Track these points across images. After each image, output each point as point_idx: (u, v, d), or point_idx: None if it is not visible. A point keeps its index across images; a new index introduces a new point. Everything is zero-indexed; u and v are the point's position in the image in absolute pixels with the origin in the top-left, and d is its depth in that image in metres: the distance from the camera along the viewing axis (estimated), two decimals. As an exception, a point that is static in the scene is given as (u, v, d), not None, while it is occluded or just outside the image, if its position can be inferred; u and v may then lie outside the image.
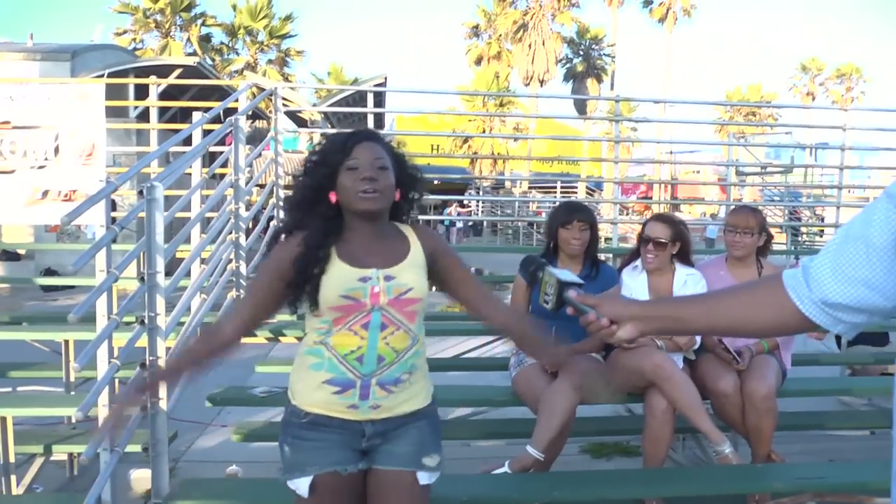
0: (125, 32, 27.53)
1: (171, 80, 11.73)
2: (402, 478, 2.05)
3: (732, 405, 3.48)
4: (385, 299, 1.98)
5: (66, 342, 4.27)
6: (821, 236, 14.94)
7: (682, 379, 3.41)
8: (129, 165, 7.51)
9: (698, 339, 3.66)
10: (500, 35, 36.43)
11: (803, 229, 14.55)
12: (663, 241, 3.67)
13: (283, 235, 2.10)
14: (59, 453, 3.80)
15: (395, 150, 2.10)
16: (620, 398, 3.90)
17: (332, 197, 2.01)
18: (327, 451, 2.01)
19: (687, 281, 3.71)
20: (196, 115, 4.36)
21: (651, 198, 21.95)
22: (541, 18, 34.66)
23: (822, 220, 14.40)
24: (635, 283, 3.71)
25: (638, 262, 3.78)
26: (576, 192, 21.26)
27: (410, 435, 2.07)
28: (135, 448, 3.04)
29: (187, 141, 4.39)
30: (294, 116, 14.93)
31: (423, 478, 2.08)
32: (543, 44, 34.66)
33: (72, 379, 4.32)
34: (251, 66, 28.97)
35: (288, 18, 30.07)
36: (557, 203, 17.64)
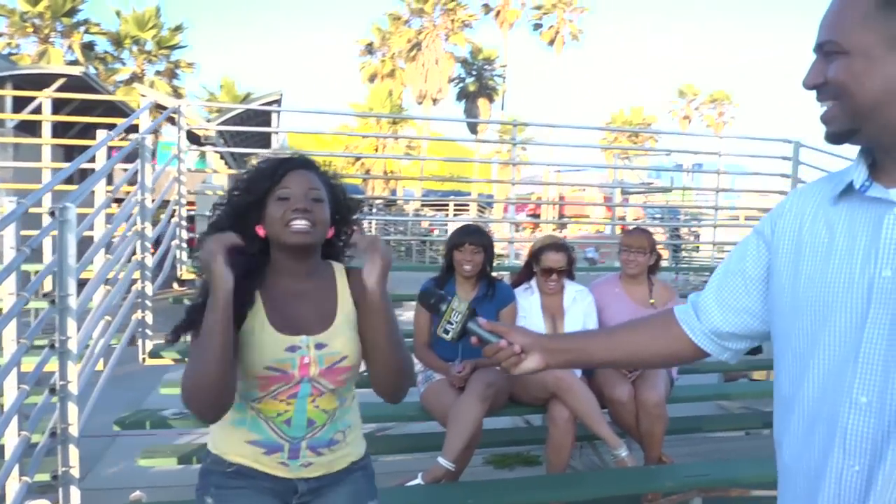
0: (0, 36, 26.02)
1: (58, 93, 11.20)
2: None
3: (627, 412, 3.76)
4: (316, 370, 1.75)
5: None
6: (697, 251, 15.85)
7: (582, 389, 3.65)
8: (6, 181, 7.22)
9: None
10: (394, 53, 36.78)
11: (683, 246, 15.45)
12: (563, 268, 3.93)
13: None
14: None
15: (332, 181, 1.88)
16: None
17: (260, 231, 1.78)
18: (257, 498, 1.78)
19: (576, 297, 3.98)
20: (101, 133, 4.28)
21: (539, 216, 22.66)
22: (434, 38, 35.26)
23: (698, 237, 15.34)
24: (528, 303, 3.95)
25: (530, 284, 4.02)
26: (467, 210, 21.72)
27: (346, 489, 1.88)
28: (43, 477, 2.97)
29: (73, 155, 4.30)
30: (188, 133, 14.51)
31: None
32: (437, 63, 35.27)
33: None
34: (138, 77, 27.95)
35: (178, 29, 29.25)
36: (449, 220, 17.85)
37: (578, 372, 3.84)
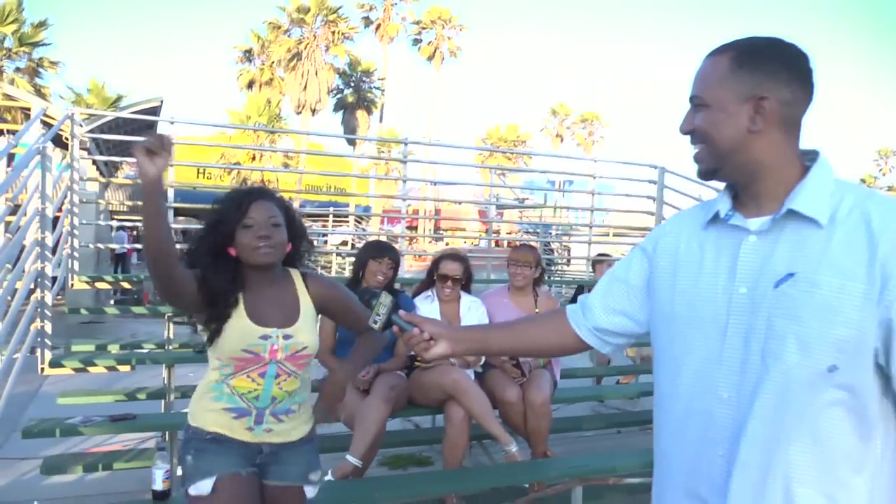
0: None
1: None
2: (292, 492, 2.38)
3: (516, 412, 4.15)
4: (282, 355, 2.26)
5: None
6: (568, 264, 16.69)
7: (477, 391, 4.01)
8: None
9: (483, 358, 4.31)
10: (273, 62, 36.28)
11: (556, 260, 16.27)
12: (458, 277, 4.29)
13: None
14: None
15: (286, 206, 2.35)
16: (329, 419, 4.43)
17: (232, 251, 2.23)
18: (228, 457, 2.25)
19: (471, 307, 4.36)
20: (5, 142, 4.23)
21: (416, 228, 23.11)
22: (314, 49, 35.07)
23: (569, 251, 16.20)
24: (428, 311, 4.28)
25: (430, 292, 4.36)
26: (347, 221, 21.82)
27: (298, 457, 2.38)
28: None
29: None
30: (55, 139, 13.87)
31: (310, 491, 2.43)
32: (316, 74, 35.09)
33: None
34: (-5, 74, 26.19)
35: (41, 25, 27.54)
36: (328, 232, 17.83)
37: (472, 374, 4.20)
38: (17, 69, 27.29)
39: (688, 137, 1.43)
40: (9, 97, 16.38)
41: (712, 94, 1.36)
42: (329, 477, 3.55)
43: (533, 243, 15.42)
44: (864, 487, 1.27)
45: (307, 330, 2.32)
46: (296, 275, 2.40)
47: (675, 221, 1.57)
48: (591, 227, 8.50)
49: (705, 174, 1.42)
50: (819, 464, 1.26)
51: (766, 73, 1.32)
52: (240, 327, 2.21)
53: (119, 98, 27.63)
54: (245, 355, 2.22)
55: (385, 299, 1.69)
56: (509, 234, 15.17)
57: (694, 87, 1.40)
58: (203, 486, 2.21)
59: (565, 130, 49.88)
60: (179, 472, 2.41)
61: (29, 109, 14.32)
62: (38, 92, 25.50)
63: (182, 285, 2.12)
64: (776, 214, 1.33)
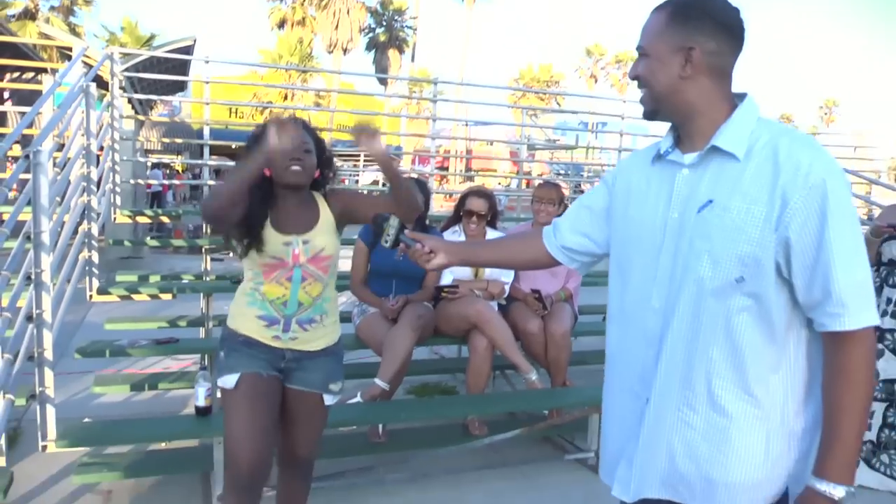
0: None
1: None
2: (312, 398, 2.59)
3: (538, 342, 4.34)
4: (304, 259, 2.47)
5: None
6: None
7: (500, 322, 4.20)
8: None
9: (507, 289, 4.49)
10: (305, 1, 36.02)
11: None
12: (483, 213, 4.43)
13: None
14: None
15: (317, 137, 2.57)
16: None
17: (267, 172, 2.44)
18: (253, 359, 2.48)
19: None
20: (47, 80, 4.42)
21: (447, 168, 23.13)
22: (346, -13, 34.70)
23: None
24: None
25: (458, 227, 4.52)
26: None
27: (320, 365, 2.58)
28: (20, 400, 3.28)
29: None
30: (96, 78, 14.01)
31: (328, 399, 2.63)
32: (348, 13, 34.85)
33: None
34: (31, 13, 26.43)
35: (73, -36, 27.73)
36: (361, 171, 18.02)
37: (495, 306, 4.38)
38: (52, 8, 27.51)
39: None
40: (45, 36, 16.56)
41: (652, 46, 1.55)
42: (358, 398, 3.79)
43: (563, 184, 15.52)
44: (779, 384, 1.49)
45: (324, 234, 2.53)
46: (319, 196, 2.62)
47: (631, 158, 1.78)
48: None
49: (647, 115, 1.62)
50: (735, 362, 1.48)
51: (695, 26, 1.50)
52: (266, 237, 2.44)
53: (152, 37, 27.77)
54: (272, 261, 2.45)
55: (393, 221, 1.95)
56: (540, 175, 15.19)
57: (640, 39, 1.59)
58: (228, 381, 2.45)
59: (599, 71, 49.05)
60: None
61: (65, 48, 14.45)
62: (73, 31, 25.75)
63: (239, 209, 2.34)
64: (703, 150, 1.52)
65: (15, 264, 3.22)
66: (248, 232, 2.44)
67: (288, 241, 2.47)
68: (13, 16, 25.92)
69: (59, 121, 4.07)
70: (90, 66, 5.94)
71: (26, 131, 4.46)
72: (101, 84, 5.97)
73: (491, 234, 4.53)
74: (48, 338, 3.26)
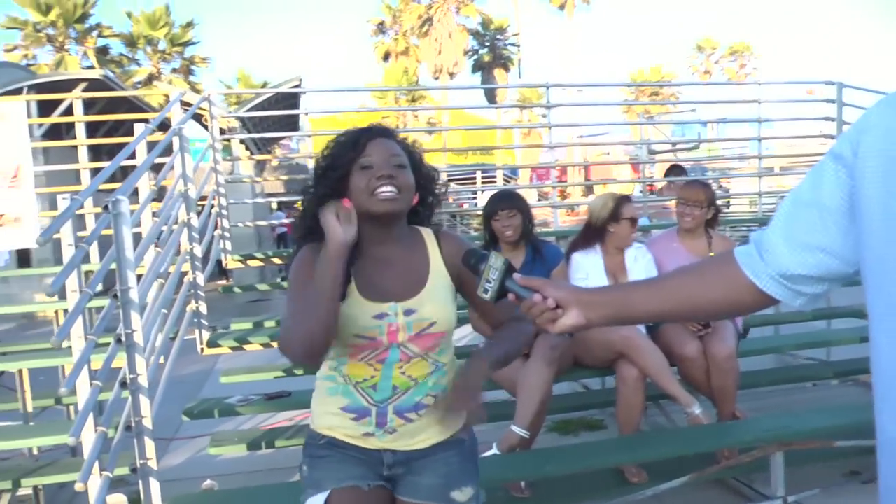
0: (15, 48, 26.11)
1: (88, 93, 11.23)
2: None
3: (698, 368, 3.67)
4: (404, 337, 1.78)
5: (20, 371, 4.10)
6: (728, 207, 15.58)
7: (650, 347, 3.57)
8: (38, 186, 7.23)
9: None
10: (406, 30, 36.50)
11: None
12: (635, 218, 3.84)
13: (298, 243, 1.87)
14: (25, 487, 3.68)
15: (411, 148, 1.89)
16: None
17: (346, 202, 1.76)
18: (346, 466, 1.84)
19: (637, 257, 3.88)
20: (138, 128, 4.24)
21: (565, 181, 22.47)
22: (445, 12, 34.95)
23: (728, 191, 15.05)
24: (590, 263, 3.84)
25: (596, 249, 3.87)
26: (494, 181, 21.58)
27: (437, 466, 1.87)
28: (122, 471, 2.98)
29: (115, 155, 4.24)
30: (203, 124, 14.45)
31: None
32: (450, 37, 34.99)
33: (29, 409, 4.15)
34: (155, 77, 28.05)
35: (189, 25, 29.19)
36: (476, 193, 17.70)
37: (643, 329, 3.76)
38: (173, 70, 29.07)
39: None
40: (168, 98, 17.32)
41: None
42: (495, 450, 3.28)
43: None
44: None
45: (436, 300, 1.81)
46: (427, 234, 1.90)
47: (884, 109, 1.06)
48: (760, 159, 7.65)
49: None
50: None
51: None
52: (349, 307, 1.76)
53: (265, 84, 28.72)
54: (358, 341, 1.78)
55: (496, 261, 1.38)
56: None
57: None
58: (316, 501, 1.83)
59: (713, 66, 46.83)
60: None
61: (187, 104, 15.05)
62: (193, 89, 27.00)
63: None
64: None
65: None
66: None
67: (381, 313, 1.77)
68: (139, 82, 27.53)
69: (147, 167, 3.82)
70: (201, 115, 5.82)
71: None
72: (219, 132, 5.85)
73: (631, 248, 3.89)
74: (146, 404, 2.95)
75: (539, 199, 16.31)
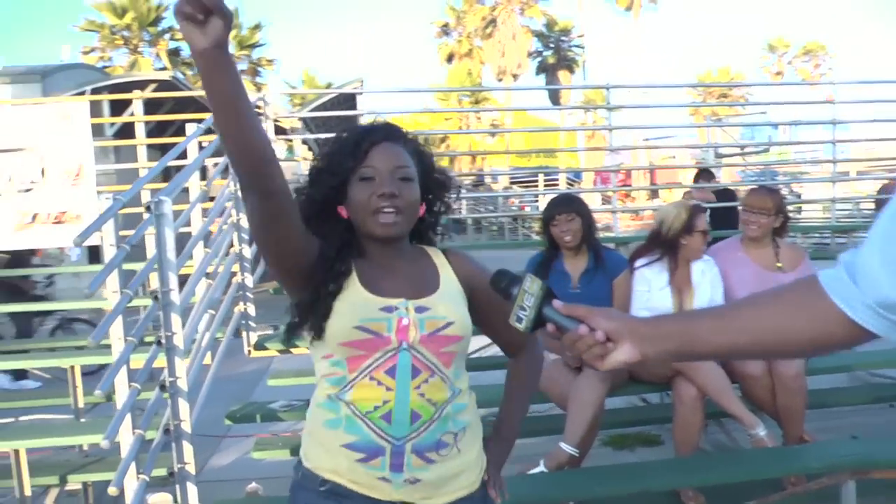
0: (93, 51, 27.14)
1: (158, 94, 11.53)
2: None
3: (762, 387, 3.45)
4: (416, 335, 1.48)
5: (72, 368, 4.14)
6: (799, 213, 15.01)
7: (710, 364, 3.36)
8: (109, 184, 7.41)
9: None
10: (470, 32, 36.49)
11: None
12: (706, 230, 3.62)
13: None
14: (74, 483, 3.70)
15: (422, 150, 1.64)
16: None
17: (343, 212, 1.56)
18: None
19: (704, 271, 3.65)
20: (189, 128, 4.23)
21: (630, 185, 22.05)
22: (509, 14, 34.82)
23: (800, 197, 14.51)
24: (654, 275, 3.63)
25: (664, 262, 3.66)
26: (557, 184, 21.32)
27: None
28: (160, 472, 2.94)
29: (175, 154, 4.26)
30: (274, 125, 14.64)
31: None
32: (513, 38, 34.82)
33: (80, 405, 4.19)
34: (222, 78, 28.72)
35: (257, 28, 29.87)
36: (541, 195, 17.54)
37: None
38: (241, 71, 29.70)
39: None
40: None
41: None
42: (541, 468, 3.13)
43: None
44: None
45: (451, 303, 1.56)
46: (433, 252, 1.67)
47: None
48: (834, 163, 7.28)
49: None
50: None
51: None
52: (351, 300, 1.50)
53: (328, 86, 29.10)
54: (360, 335, 1.47)
55: (531, 285, 1.16)
56: (732, 182, 13.85)
57: None
58: None
59: (786, 66, 45.41)
60: None
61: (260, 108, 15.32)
62: (258, 89, 27.52)
63: (290, 220, 1.43)
64: None
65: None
66: (319, 290, 1.50)
67: (390, 306, 1.50)
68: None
69: (196, 168, 3.81)
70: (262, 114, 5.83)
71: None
72: (282, 132, 5.86)
73: (698, 261, 3.67)
74: (184, 408, 2.90)
75: (602, 203, 16.08)
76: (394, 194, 1.50)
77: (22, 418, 4.93)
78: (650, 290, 3.60)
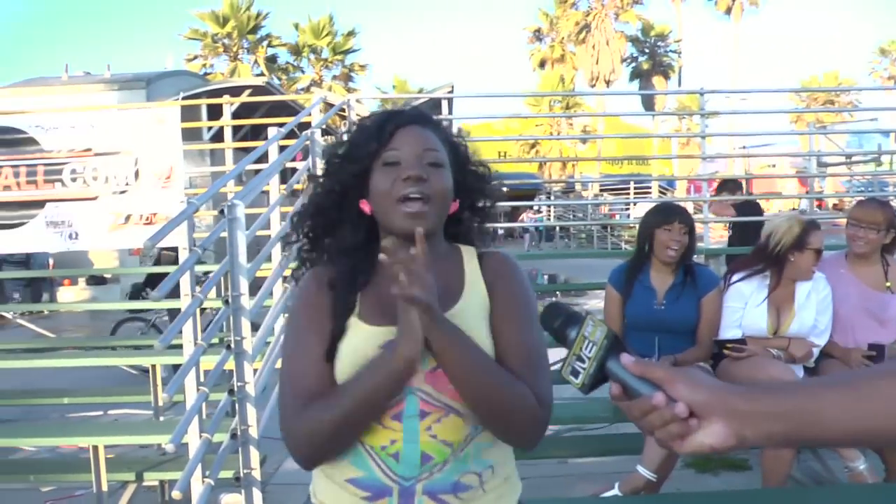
0: (195, 58, 28.34)
1: (242, 98, 11.88)
2: None
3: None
4: (420, 374, 1.26)
5: (153, 367, 4.23)
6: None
7: (806, 388, 3.11)
8: (205, 186, 7.63)
9: (816, 352, 3.35)
10: (563, 38, 36.10)
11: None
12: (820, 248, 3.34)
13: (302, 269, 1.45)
14: (151, 480, 3.76)
15: (455, 140, 1.44)
16: None
17: (365, 206, 1.36)
18: None
19: (810, 293, 3.36)
20: (271, 131, 4.26)
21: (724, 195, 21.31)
22: (603, 18, 34.24)
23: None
24: (751, 290, 3.38)
25: (766, 277, 3.41)
26: (649, 193, 20.77)
27: None
28: (227, 474, 2.94)
29: (262, 158, 4.30)
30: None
31: None
32: (607, 44, 34.21)
33: (160, 403, 4.28)
34: (316, 83, 29.45)
35: (350, 34, 30.51)
36: (632, 203, 17.06)
37: (800, 371, 3.29)
38: (334, 77, 30.39)
39: None
40: (328, 104, 18.05)
41: None
42: (615, 491, 2.96)
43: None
44: None
45: (469, 319, 1.30)
46: (467, 252, 1.43)
47: None
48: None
49: None
50: None
51: None
52: (353, 342, 1.30)
53: (420, 91, 29.37)
54: None
55: (594, 330, 0.93)
56: (836, 193, 13.12)
57: None
58: None
59: (898, 71, 42.90)
60: None
61: (341, 113, 15.60)
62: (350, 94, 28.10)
63: None
64: None
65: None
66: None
67: (391, 340, 1.26)
68: (303, 88, 29.01)
69: (279, 167, 3.82)
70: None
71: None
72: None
73: (807, 291, 3.39)
74: (252, 413, 2.89)
75: (694, 213, 15.52)
76: (421, 177, 1.30)
77: (110, 412, 5.10)
78: (745, 306, 3.36)
